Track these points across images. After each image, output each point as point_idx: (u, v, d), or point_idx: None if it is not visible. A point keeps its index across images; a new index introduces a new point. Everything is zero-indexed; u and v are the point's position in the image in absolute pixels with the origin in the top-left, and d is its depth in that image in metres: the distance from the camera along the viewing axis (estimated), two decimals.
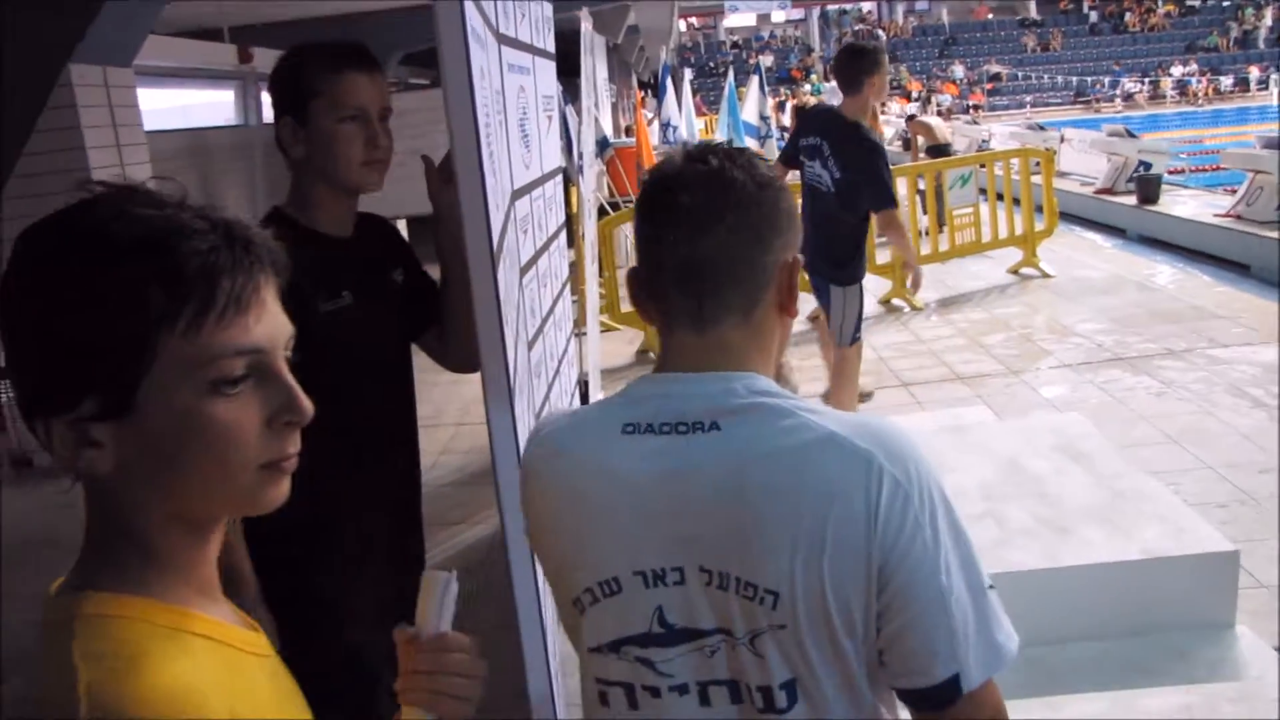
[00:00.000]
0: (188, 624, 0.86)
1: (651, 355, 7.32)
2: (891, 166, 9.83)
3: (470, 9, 1.99)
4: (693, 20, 49.62)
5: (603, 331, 7.92)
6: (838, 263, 4.85)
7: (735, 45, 47.77)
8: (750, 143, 10.34)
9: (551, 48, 4.58)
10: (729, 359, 1.19)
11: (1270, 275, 8.28)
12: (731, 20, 47.94)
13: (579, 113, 9.66)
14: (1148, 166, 11.53)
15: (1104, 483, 3.20)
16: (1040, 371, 6.33)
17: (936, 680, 1.14)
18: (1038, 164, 9.45)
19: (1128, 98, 38.38)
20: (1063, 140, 14.02)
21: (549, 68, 4.42)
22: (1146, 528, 2.89)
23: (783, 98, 30.69)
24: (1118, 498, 3.10)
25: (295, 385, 0.87)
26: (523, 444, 1.51)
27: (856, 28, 47.50)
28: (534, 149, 3.82)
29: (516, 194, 3.35)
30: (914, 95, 37.20)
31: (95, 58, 6.07)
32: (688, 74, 43.11)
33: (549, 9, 4.49)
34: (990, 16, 47.94)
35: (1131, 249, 10.13)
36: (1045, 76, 40.49)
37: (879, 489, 1.11)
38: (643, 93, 21.58)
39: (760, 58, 45.19)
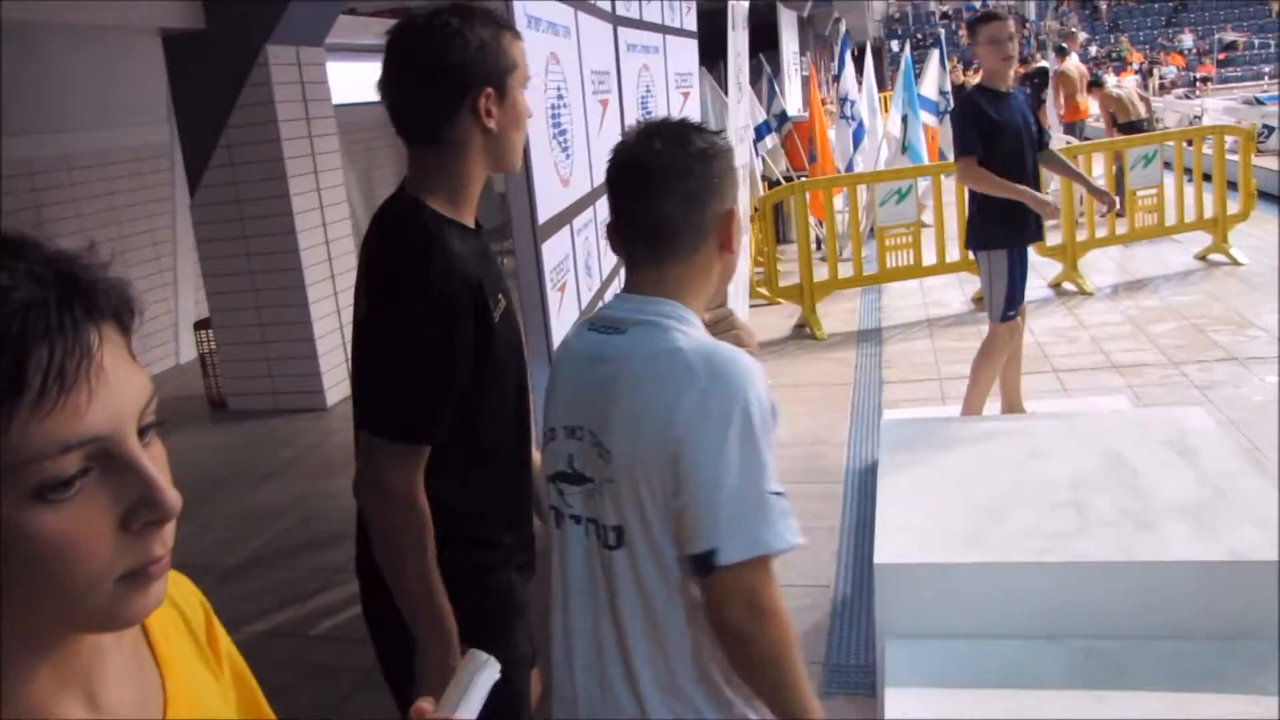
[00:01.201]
0: None
1: (808, 330, 7.38)
2: (1081, 141, 9.48)
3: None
4: None
5: (763, 305, 8.01)
6: (976, 227, 4.79)
7: (945, 16, 46.21)
8: (928, 118, 10.16)
9: (691, 26, 4.72)
10: (667, 288, 1.57)
11: None
12: None
13: (755, 86, 9.72)
14: None
15: (1207, 481, 3.12)
16: (1205, 365, 6.05)
17: (699, 549, 1.44)
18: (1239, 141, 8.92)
19: None
20: None
21: (685, 45, 4.57)
22: (1239, 529, 2.81)
23: None
24: (1218, 497, 3.01)
25: (153, 471, 0.68)
26: None
27: None
28: None
29: None
30: (1134, 67, 35.10)
31: (289, 39, 6.53)
32: (894, 46, 42.22)
33: None
34: None
35: None
36: None
37: (688, 393, 1.45)
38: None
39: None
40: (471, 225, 1.81)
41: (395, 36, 1.74)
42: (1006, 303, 4.76)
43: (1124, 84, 12.52)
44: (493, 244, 1.91)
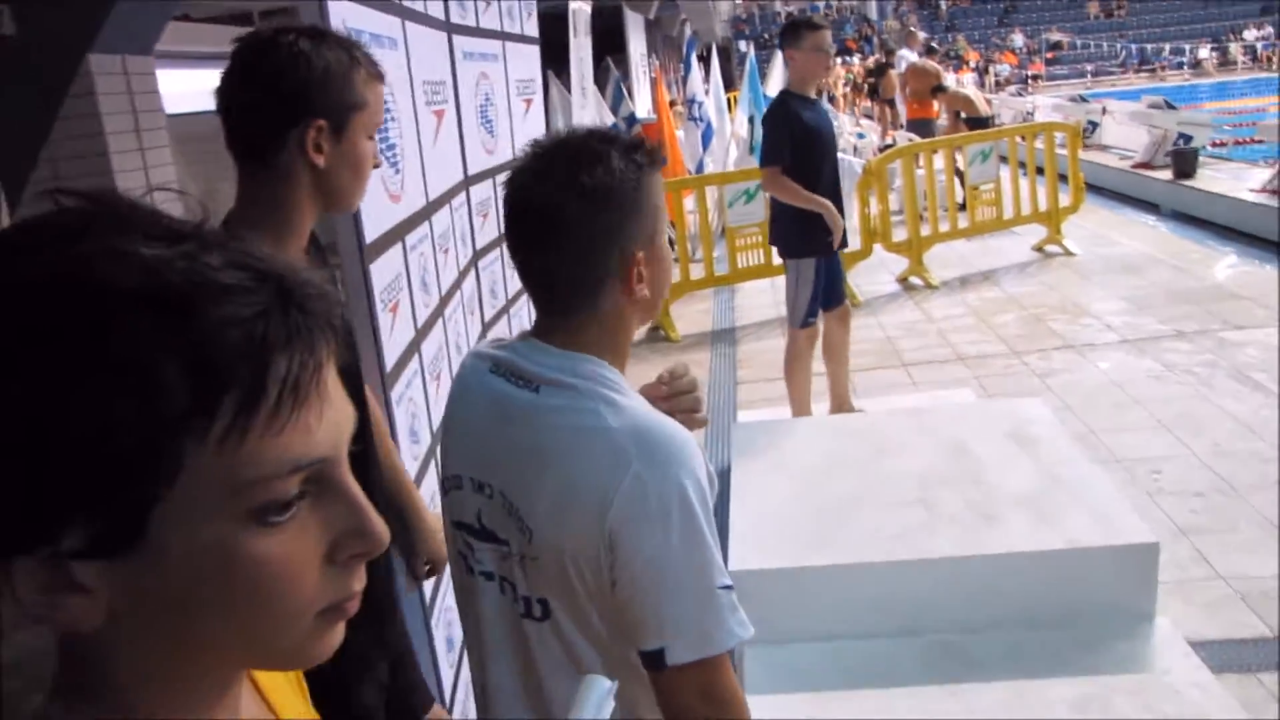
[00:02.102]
0: None
1: (661, 332, 7.40)
2: (920, 140, 9.74)
3: (347, 7, 2.07)
4: None
5: None
6: (780, 234, 4.85)
7: (790, 16, 47.22)
8: None
9: (532, 32, 4.66)
10: (579, 342, 1.40)
11: None
12: None
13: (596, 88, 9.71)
14: (1188, 140, 11.28)
15: (1045, 470, 3.22)
16: (1044, 353, 6.29)
17: (648, 648, 1.33)
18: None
19: (1195, 65, 37.29)
20: (1104, 112, 13.74)
21: (526, 52, 4.50)
22: (1074, 517, 2.90)
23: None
24: (1055, 486, 3.11)
25: (365, 501, 0.62)
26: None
27: None
28: (500, 133, 3.90)
29: (472, 179, 3.43)
30: (972, 65, 36.47)
31: (114, 47, 6.22)
32: (742, 46, 42.92)
33: None
34: None
35: (1164, 226, 9.93)
36: (1108, 44, 39.50)
37: (622, 481, 1.29)
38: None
39: None
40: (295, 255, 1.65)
41: (239, 46, 1.63)
42: (808, 310, 4.83)
43: (964, 82, 12.94)
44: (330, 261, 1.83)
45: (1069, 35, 40.72)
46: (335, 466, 0.61)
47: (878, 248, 8.24)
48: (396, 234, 2.29)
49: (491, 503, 1.42)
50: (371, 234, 2.05)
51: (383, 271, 2.13)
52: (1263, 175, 9.65)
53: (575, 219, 1.35)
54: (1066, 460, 3.29)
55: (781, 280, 8.49)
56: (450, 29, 3.32)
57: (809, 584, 2.78)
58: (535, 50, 4.71)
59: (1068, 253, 8.79)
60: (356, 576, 0.63)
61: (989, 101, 12.13)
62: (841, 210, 4.76)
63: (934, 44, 40.30)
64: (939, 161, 8.77)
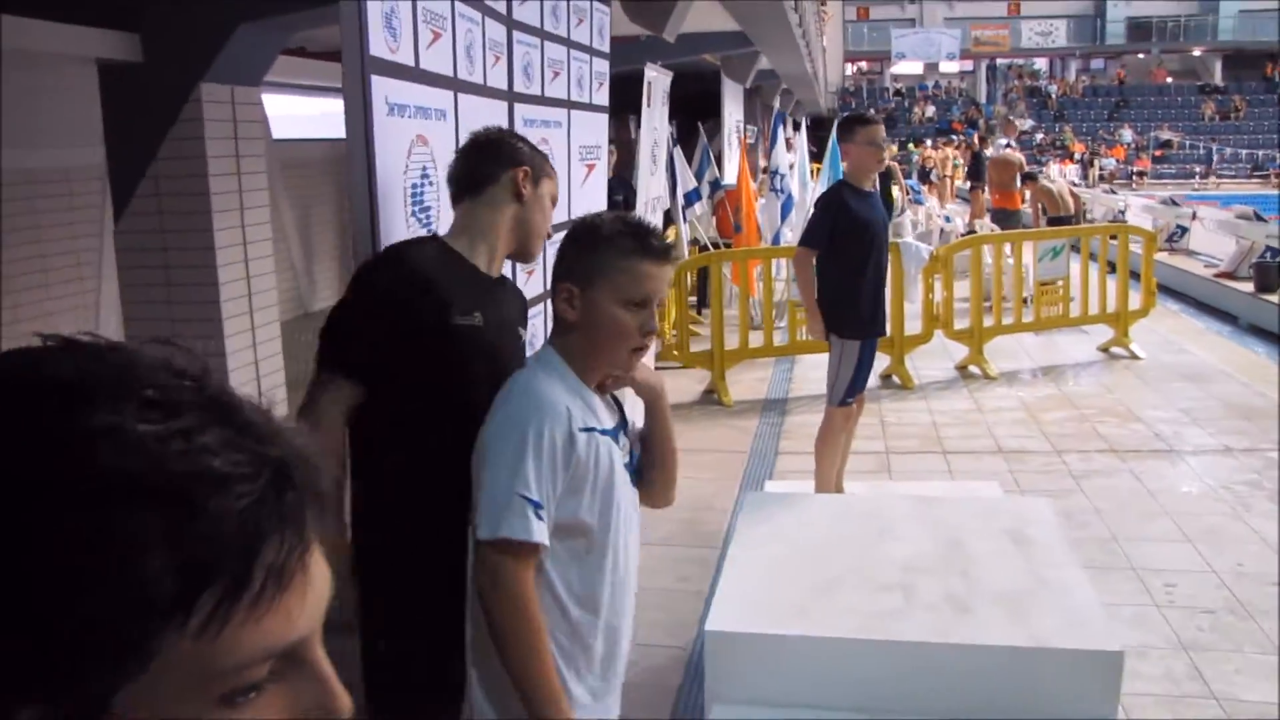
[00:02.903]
0: None
1: (715, 396, 7.57)
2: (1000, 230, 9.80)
3: (390, 84, 2.32)
4: (861, 64, 49.57)
5: (675, 368, 8.19)
6: (829, 311, 4.98)
7: (899, 93, 47.45)
8: None
9: (602, 101, 4.92)
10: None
11: None
12: (898, 67, 47.73)
13: (687, 155, 9.98)
14: (1276, 253, 11.17)
15: (1032, 570, 3.31)
16: (1085, 455, 6.32)
17: (473, 526, 1.91)
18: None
19: None
20: (1194, 217, 13.64)
21: (592, 120, 4.76)
22: (1046, 618, 3.00)
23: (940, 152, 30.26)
24: (1037, 586, 3.20)
25: (332, 675, 0.60)
26: None
27: (1026, 83, 46.70)
28: (562, 197, 4.13)
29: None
30: (1076, 157, 36.25)
31: (224, 78, 6.66)
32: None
33: (602, 65, 4.84)
34: (1169, 80, 46.41)
35: (1238, 338, 9.85)
36: (1218, 146, 38.89)
37: (499, 410, 1.97)
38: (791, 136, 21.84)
39: (923, 106, 44.90)
40: (485, 269, 2.32)
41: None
42: (848, 390, 4.96)
43: (1055, 178, 12.93)
44: None
45: (1180, 134, 40.21)
46: (309, 644, 0.58)
47: (939, 334, 8.33)
48: None
49: None
50: None
51: None
52: None
53: None
54: (1056, 563, 3.38)
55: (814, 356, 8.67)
56: (513, 98, 3.59)
57: (780, 651, 2.92)
58: (603, 118, 4.98)
59: (1133, 356, 8.76)
60: None
61: (1077, 198, 12.10)
62: (881, 298, 4.92)
63: (1040, 133, 40.24)
64: (1009, 252, 8.83)
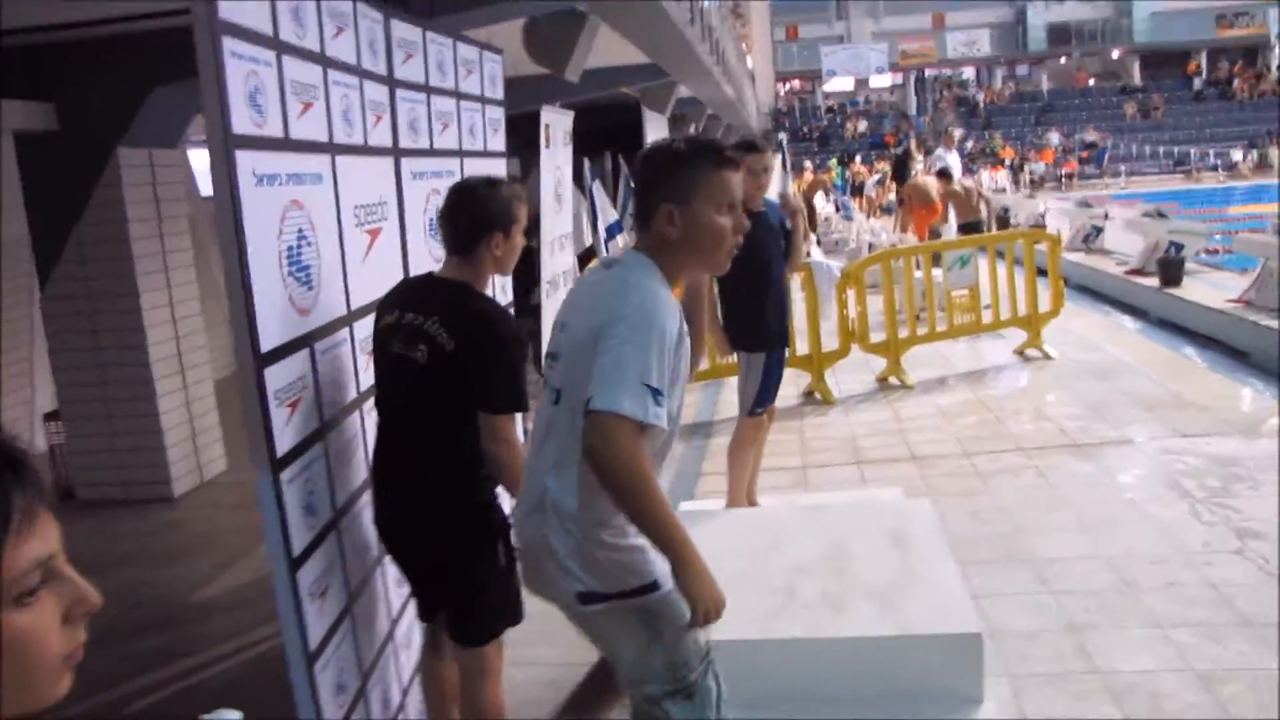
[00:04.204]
0: None
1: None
2: (893, 246, 10.15)
3: (254, 157, 2.53)
4: (794, 84, 50.32)
5: None
6: (733, 328, 5.21)
7: (830, 110, 48.21)
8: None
9: (497, 147, 5.14)
10: (643, 248, 2.48)
11: (1269, 364, 8.36)
12: (830, 84, 48.49)
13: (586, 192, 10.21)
14: (1179, 248, 11.60)
15: (906, 565, 3.56)
16: (994, 455, 6.60)
17: (587, 396, 2.17)
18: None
19: (1230, 167, 37.59)
20: (1106, 217, 14.11)
21: (486, 165, 4.96)
22: (914, 608, 3.25)
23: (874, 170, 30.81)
24: (909, 579, 3.46)
25: (81, 579, 0.92)
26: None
27: (955, 93, 47.65)
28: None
29: None
30: (1006, 163, 37.04)
31: (141, 141, 6.82)
32: (781, 137, 43.85)
33: (495, 111, 5.07)
34: (1091, 84, 47.57)
35: (1149, 333, 10.24)
36: (1140, 146, 39.92)
37: (616, 299, 2.28)
38: None
39: (855, 122, 45.64)
40: None
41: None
42: (755, 400, 5.19)
43: (966, 183, 13.28)
44: None
45: (1104, 135, 41.20)
46: (59, 560, 0.90)
47: (856, 348, 8.62)
48: (302, 342, 2.72)
49: (559, 333, 2.44)
50: (268, 342, 2.49)
51: (283, 373, 2.56)
52: (1243, 285, 9.94)
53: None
54: (929, 557, 3.64)
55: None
56: (399, 154, 3.80)
57: None
58: (500, 162, 5.20)
59: (1046, 357, 9.10)
60: (81, 631, 0.93)
61: (986, 201, 12.47)
62: (781, 312, 5.17)
63: (970, 141, 41.05)
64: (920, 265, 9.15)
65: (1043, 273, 9.68)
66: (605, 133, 14.58)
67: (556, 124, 5.96)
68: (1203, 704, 3.66)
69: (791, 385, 8.79)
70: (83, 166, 6.69)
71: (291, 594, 2.50)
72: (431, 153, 4.19)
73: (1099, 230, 14.23)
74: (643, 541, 2.31)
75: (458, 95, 4.51)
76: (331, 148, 3.06)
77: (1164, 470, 6.08)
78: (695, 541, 3.80)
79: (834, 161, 35.85)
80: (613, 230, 10.23)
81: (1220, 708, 3.63)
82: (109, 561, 5.93)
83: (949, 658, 3.08)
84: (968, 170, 36.22)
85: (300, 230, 2.75)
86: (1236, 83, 44.62)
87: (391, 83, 3.73)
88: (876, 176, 26.65)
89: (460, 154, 4.55)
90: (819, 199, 21.49)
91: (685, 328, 2.36)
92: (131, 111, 6.60)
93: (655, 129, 13.87)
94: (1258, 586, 4.50)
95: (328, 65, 3.02)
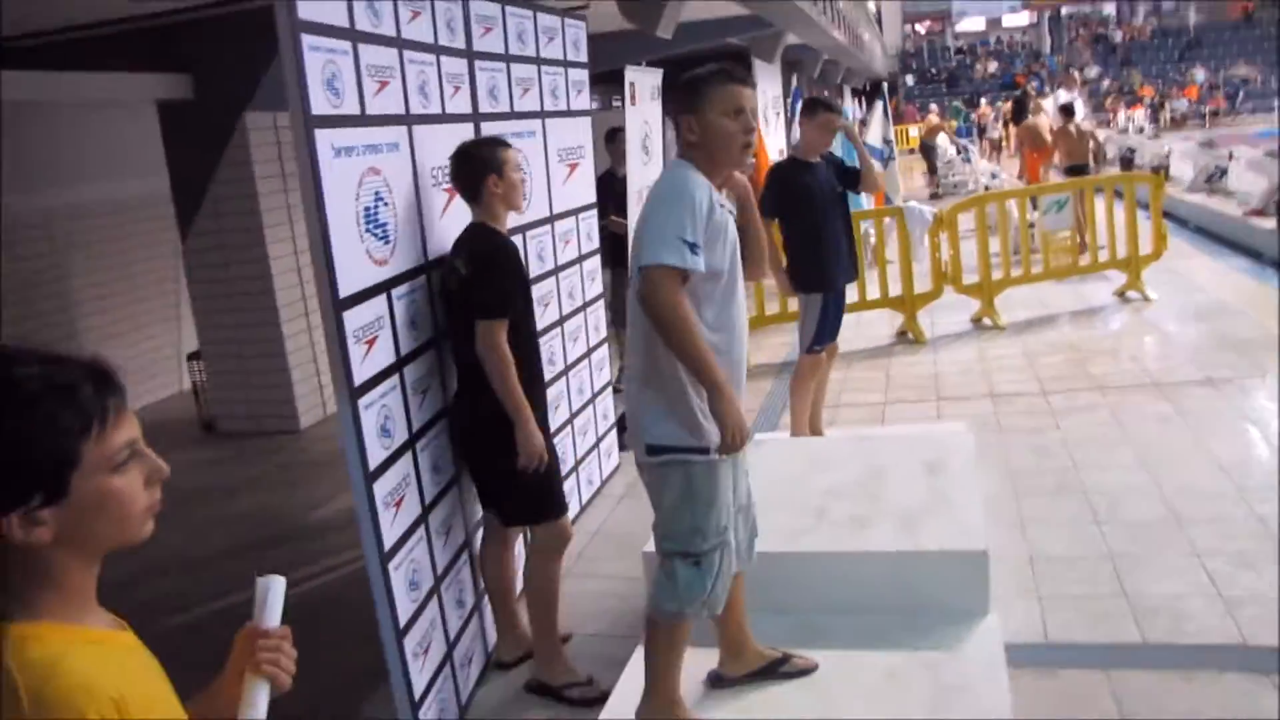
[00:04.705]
0: (82, 636, 1.22)
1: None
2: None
3: (335, 134, 2.98)
4: (920, 25, 49.23)
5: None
6: (793, 272, 5.54)
7: (960, 51, 47.02)
8: (874, 164, 10.94)
9: (581, 105, 5.52)
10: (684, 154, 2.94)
11: None
12: (962, 24, 47.31)
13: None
14: None
15: (935, 490, 3.88)
16: (1071, 393, 6.77)
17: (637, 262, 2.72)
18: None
19: None
20: (1231, 157, 13.75)
21: (572, 124, 5.37)
22: (931, 528, 3.57)
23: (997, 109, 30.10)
24: (936, 502, 3.78)
25: (154, 456, 1.28)
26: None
27: (1094, 30, 45.88)
28: (533, 195, 4.75)
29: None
30: (1145, 101, 35.66)
31: (266, 106, 7.42)
32: (909, 80, 43.14)
33: (579, 74, 5.45)
34: (1250, 9, 45.17)
35: (1256, 273, 10.10)
36: None
37: (660, 182, 2.87)
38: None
39: (985, 62, 44.44)
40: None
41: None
42: (814, 339, 5.51)
43: (1081, 125, 13.08)
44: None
45: (1258, 70, 39.19)
46: (140, 442, 1.27)
47: (950, 289, 8.80)
48: (380, 288, 3.19)
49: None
50: (347, 289, 2.96)
51: (360, 315, 3.03)
52: None
53: None
54: (958, 485, 3.94)
55: (867, 315, 9.16)
56: (478, 118, 4.23)
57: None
58: (584, 121, 5.59)
59: (1146, 299, 9.11)
60: (158, 491, 1.29)
61: (1097, 141, 12.27)
62: (837, 256, 5.48)
63: (1106, 79, 39.62)
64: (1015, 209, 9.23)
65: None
66: None
67: (642, 82, 6.31)
68: (1222, 628, 3.83)
69: (886, 325, 9.04)
70: (215, 131, 7.33)
71: (368, 501, 2.98)
72: (512, 115, 4.61)
73: (1223, 171, 13.89)
74: (705, 410, 2.78)
75: (539, 61, 4.91)
76: (408, 118, 3.50)
77: (1238, 409, 6.17)
78: (751, 466, 4.21)
79: (957, 103, 35.08)
80: None
81: (1238, 631, 3.82)
82: (242, 485, 6.63)
83: (956, 573, 3.40)
84: (1100, 109, 35.17)
85: (377, 193, 3.20)
86: None
87: (471, 55, 4.16)
88: (995, 117, 26.09)
89: (542, 114, 4.96)
90: (942, 140, 21.33)
91: (722, 200, 2.87)
92: (257, 80, 7.20)
93: (766, 77, 14.05)
94: None
95: (403, 47, 3.46)
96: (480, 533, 3.91)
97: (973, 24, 47.17)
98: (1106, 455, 5.66)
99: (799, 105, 11.41)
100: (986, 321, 8.81)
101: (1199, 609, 4.00)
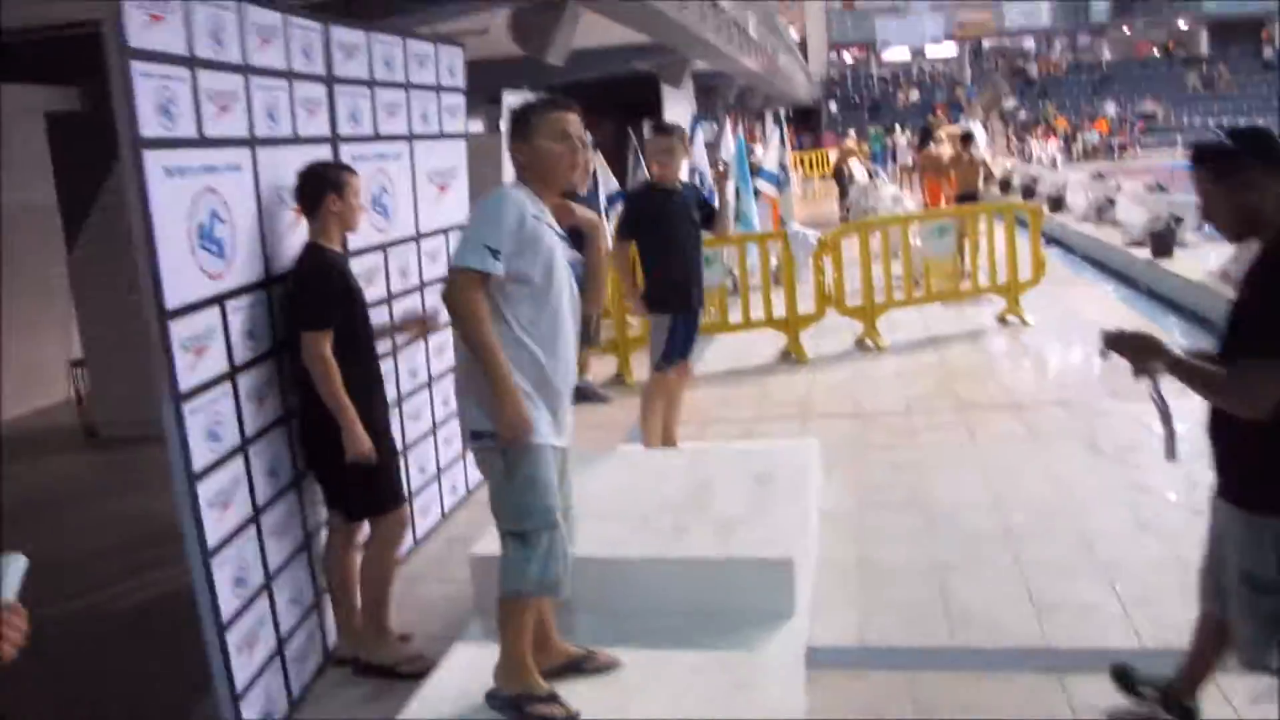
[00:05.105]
0: None
1: (622, 378, 8.35)
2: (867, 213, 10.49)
3: (164, 154, 3.14)
4: (847, 54, 50.23)
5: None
6: (646, 293, 5.78)
7: (883, 79, 48.09)
8: (769, 189, 11.30)
9: (454, 128, 5.71)
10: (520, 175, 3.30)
11: None
12: (888, 54, 48.35)
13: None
14: (1179, 220, 11.87)
15: (759, 501, 4.12)
16: (932, 413, 7.07)
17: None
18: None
19: None
20: (1118, 189, 14.35)
21: (444, 146, 5.55)
22: (746, 536, 3.80)
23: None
24: (757, 513, 4.01)
25: None
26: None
27: (1013, 64, 47.18)
28: (398, 214, 4.92)
29: (350, 253, 4.49)
30: (1059, 133, 36.77)
31: None
32: (833, 107, 44.04)
33: (453, 98, 5.64)
34: (1155, 53, 46.85)
35: (1137, 303, 10.57)
36: (1202, 117, 39.26)
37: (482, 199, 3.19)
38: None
39: (907, 91, 45.47)
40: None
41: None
42: (662, 357, 5.74)
43: (976, 155, 13.53)
44: None
45: (1164, 107, 40.62)
46: None
47: (833, 312, 9.13)
48: (213, 301, 3.35)
49: None
50: (176, 301, 3.12)
51: (190, 325, 3.20)
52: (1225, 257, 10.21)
53: None
54: (785, 497, 4.18)
55: (745, 336, 9.45)
56: (337, 141, 4.41)
57: None
58: (459, 144, 5.79)
59: (1024, 323, 9.51)
60: None
61: (988, 170, 12.76)
62: (688, 279, 5.75)
63: (1023, 111, 40.77)
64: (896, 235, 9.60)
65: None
66: (624, 106, 15.05)
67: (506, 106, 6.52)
68: (1027, 632, 4.07)
69: (771, 345, 9.31)
70: (103, 143, 7.37)
71: (191, 501, 3.15)
72: (377, 138, 4.79)
73: (1112, 202, 14.46)
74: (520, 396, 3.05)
75: (407, 86, 5.09)
76: (253, 141, 3.67)
77: (1086, 430, 6.48)
78: (594, 476, 4.40)
79: (875, 129, 35.86)
80: (614, 199, 10.77)
81: (1041, 635, 4.05)
82: (117, 489, 6.68)
83: (763, 579, 3.63)
84: (1018, 138, 36.19)
85: (214, 211, 3.37)
86: None
87: (330, 80, 4.33)
88: (905, 143, 26.78)
89: (410, 137, 5.13)
90: (855, 165, 21.84)
91: (540, 214, 3.12)
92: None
93: (675, 102, 14.38)
94: (1124, 536, 4.89)
95: (250, 73, 3.63)
96: (324, 533, 4.08)
97: (898, 53, 48.20)
98: (954, 472, 5.93)
99: (696, 130, 11.76)
100: (868, 343, 9.12)
101: (1010, 615, 4.22)
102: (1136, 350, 2.66)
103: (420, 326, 4.65)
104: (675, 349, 5.78)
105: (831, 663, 3.90)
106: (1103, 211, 14.56)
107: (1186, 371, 2.62)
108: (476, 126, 11.20)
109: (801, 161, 32.68)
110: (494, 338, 2.99)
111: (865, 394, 7.67)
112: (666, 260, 5.67)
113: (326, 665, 4.14)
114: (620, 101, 14.75)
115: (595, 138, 10.51)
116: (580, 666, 3.39)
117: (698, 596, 3.67)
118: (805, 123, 40.68)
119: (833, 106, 42.87)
